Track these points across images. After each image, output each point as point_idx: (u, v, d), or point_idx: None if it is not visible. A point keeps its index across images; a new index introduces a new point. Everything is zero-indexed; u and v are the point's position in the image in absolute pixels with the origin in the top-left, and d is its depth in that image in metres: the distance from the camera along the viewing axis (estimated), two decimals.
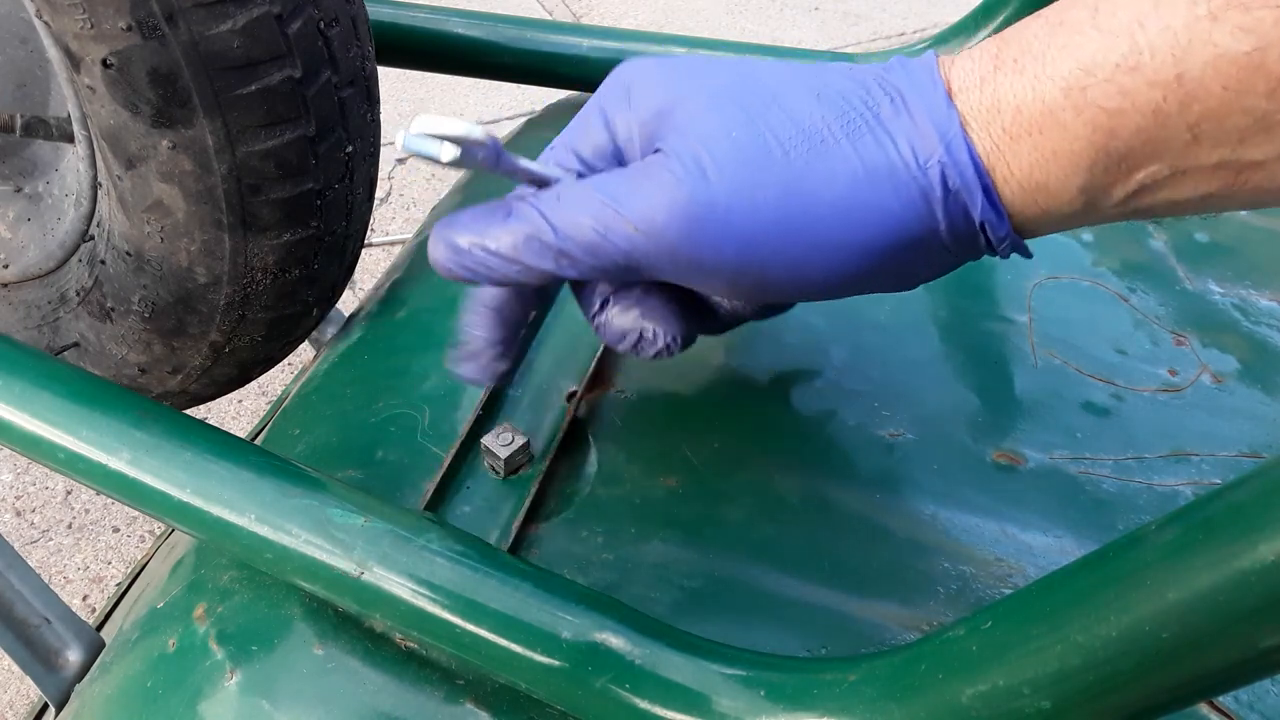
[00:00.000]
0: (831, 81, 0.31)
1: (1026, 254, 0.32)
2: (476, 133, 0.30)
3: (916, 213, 0.30)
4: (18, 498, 1.27)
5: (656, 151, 0.31)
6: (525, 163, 0.32)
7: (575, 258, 0.31)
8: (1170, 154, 0.27)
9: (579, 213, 0.31)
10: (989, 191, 0.29)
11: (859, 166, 0.30)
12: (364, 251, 1.50)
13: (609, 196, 0.30)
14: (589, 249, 0.31)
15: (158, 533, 1.11)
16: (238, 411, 1.39)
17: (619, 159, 0.33)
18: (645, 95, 0.32)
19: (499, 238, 0.31)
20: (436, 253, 0.33)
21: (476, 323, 0.36)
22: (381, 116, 0.51)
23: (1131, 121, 0.26)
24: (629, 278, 0.32)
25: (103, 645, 0.41)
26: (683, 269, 0.31)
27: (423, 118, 0.29)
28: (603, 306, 0.36)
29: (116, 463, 0.36)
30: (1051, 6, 0.29)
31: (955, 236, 0.30)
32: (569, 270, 0.31)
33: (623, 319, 0.36)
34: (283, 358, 0.57)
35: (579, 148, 0.33)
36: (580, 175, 0.33)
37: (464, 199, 0.62)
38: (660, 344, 0.35)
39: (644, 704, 0.30)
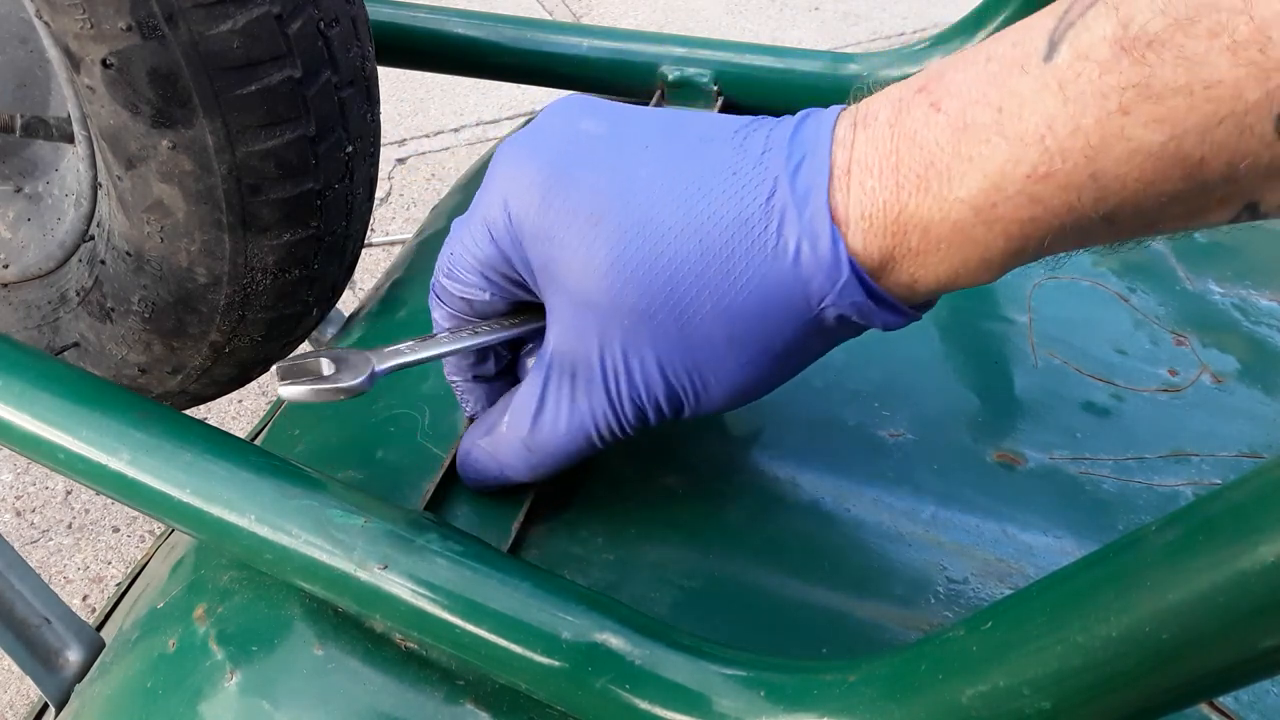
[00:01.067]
0: (717, 209, 0.30)
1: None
2: (344, 384, 0.32)
3: (816, 331, 0.31)
4: (18, 498, 1.27)
5: (551, 317, 0.34)
6: (418, 355, 0.35)
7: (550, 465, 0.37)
8: (1085, 237, 0.27)
9: (539, 440, 0.36)
10: (892, 306, 0.30)
11: (749, 325, 0.31)
12: (364, 251, 1.50)
13: (560, 424, 0.35)
14: (560, 456, 0.36)
15: (158, 533, 1.11)
16: (238, 411, 1.39)
17: (514, 270, 0.34)
18: (523, 222, 0.33)
19: (516, 469, 0.37)
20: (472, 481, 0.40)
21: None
22: (381, 116, 0.51)
23: (1045, 224, 0.26)
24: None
25: (103, 645, 0.41)
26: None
27: (289, 389, 0.32)
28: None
29: (116, 463, 0.36)
30: (952, 98, 0.27)
31: (856, 333, 0.32)
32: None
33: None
34: (283, 358, 0.57)
35: (480, 265, 0.35)
36: (485, 291, 0.35)
37: (464, 198, 0.62)
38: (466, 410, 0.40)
39: (644, 704, 0.30)
